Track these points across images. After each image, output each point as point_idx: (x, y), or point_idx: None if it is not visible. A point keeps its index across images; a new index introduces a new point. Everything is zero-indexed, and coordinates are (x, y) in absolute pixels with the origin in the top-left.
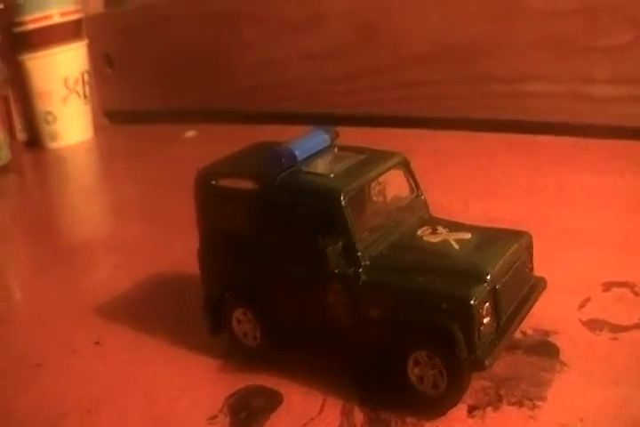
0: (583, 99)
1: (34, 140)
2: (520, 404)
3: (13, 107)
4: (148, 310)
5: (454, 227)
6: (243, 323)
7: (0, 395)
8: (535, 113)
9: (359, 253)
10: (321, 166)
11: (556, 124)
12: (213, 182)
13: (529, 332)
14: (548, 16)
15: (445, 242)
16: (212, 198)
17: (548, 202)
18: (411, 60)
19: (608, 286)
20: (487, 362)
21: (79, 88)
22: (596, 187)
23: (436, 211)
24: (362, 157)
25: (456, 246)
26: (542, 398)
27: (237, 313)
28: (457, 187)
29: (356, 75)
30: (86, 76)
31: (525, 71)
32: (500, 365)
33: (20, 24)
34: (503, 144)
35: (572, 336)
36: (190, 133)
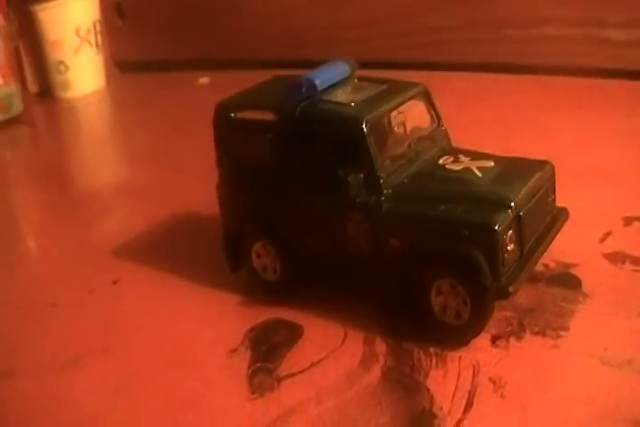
0: (597, 42)
1: (45, 90)
2: (543, 333)
3: (24, 58)
4: (166, 250)
5: (476, 156)
6: (262, 257)
7: (17, 335)
8: (549, 57)
9: (381, 181)
10: (341, 96)
11: (570, 68)
12: (232, 115)
13: (551, 264)
14: None
15: (468, 170)
16: (231, 131)
17: (567, 141)
18: (424, 5)
19: (629, 221)
20: (511, 289)
21: (91, 37)
22: (614, 127)
23: None
24: (382, 87)
25: (479, 174)
26: (565, 328)
27: (257, 246)
28: (474, 127)
29: (368, 21)
30: (98, 26)
31: (540, 15)
32: (523, 296)
33: None
34: (518, 85)
35: (593, 269)
36: (203, 80)
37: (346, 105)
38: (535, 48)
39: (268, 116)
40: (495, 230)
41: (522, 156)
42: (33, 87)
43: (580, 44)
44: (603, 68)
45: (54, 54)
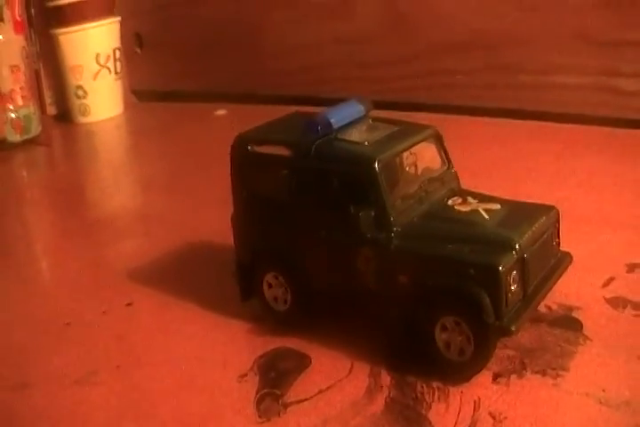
0: (609, 92)
1: (64, 113)
2: (543, 373)
3: (44, 81)
4: (179, 276)
5: (484, 198)
6: (274, 287)
7: (33, 350)
8: (562, 104)
9: (391, 219)
10: (356, 135)
11: (581, 116)
12: (249, 148)
13: (554, 307)
14: (577, 9)
15: (475, 212)
16: (247, 164)
17: (575, 187)
18: (441, 48)
19: (632, 267)
20: (513, 328)
21: (110, 64)
22: (622, 174)
23: None
24: (395, 128)
25: (486, 216)
26: (565, 369)
27: (269, 277)
28: (483, 171)
29: (386, 62)
30: (118, 53)
31: (553, 63)
32: (525, 336)
33: None
34: (530, 131)
35: (595, 312)
36: (220, 112)
37: (360, 144)
38: (548, 95)
39: (284, 151)
40: (499, 271)
41: (528, 200)
42: (51, 110)
43: (592, 92)
44: (613, 117)
45: (73, 79)
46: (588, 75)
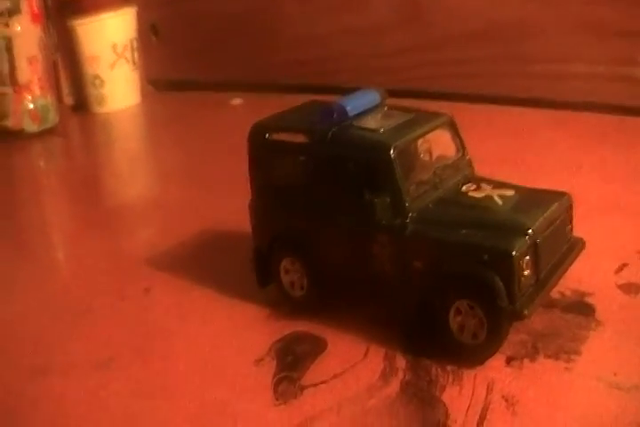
0: (624, 80)
1: (81, 104)
2: (556, 357)
3: (61, 71)
4: (197, 263)
5: (498, 185)
6: (290, 273)
7: (53, 336)
8: (576, 93)
9: (406, 205)
10: (371, 122)
11: (596, 104)
12: (267, 136)
13: (567, 292)
14: None
15: (489, 197)
16: (264, 152)
17: (589, 175)
18: (453, 38)
19: None
20: (526, 312)
21: (127, 54)
22: (636, 162)
23: None
24: (410, 115)
25: (499, 202)
26: (578, 353)
27: (285, 262)
28: (498, 159)
29: (401, 51)
30: (135, 43)
31: (568, 52)
32: (538, 321)
33: None
34: (544, 120)
35: (607, 298)
36: (236, 101)
37: (375, 131)
38: (562, 84)
39: (300, 138)
40: (512, 255)
41: (542, 187)
42: (68, 100)
43: (607, 81)
44: (628, 106)
45: (91, 68)
46: (603, 64)
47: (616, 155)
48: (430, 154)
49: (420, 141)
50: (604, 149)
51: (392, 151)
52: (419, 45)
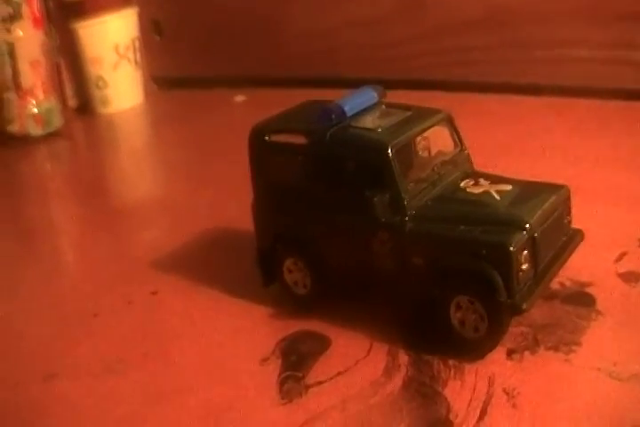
0: (625, 64)
1: (85, 105)
2: (556, 348)
3: (64, 74)
4: (202, 263)
5: (496, 179)
6: (293, 272)
7: (61, 340)
8: (577, 78)
9: (405, 203)
10: (369, 122)
11: (597, 89)
12: (266, 138)
13: (566, 283)
14: None
15: (487, 193)
16: (265, 153)
17: (589, 163)
18: (456, 26)
19: None
20: (525, 306)
21: (130, 54)
22: (637, 149)
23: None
24: (408, 113)
25: (497, 197)
26: (578, 344)
27: (288, 263)
28: (498, 148)
29: (401, 41)
30: (137, 43)
31: (568, 37)
32: (538, 312)
33: None
34: (545, 107)
35: (607, 287)
36: (239, 98)
37: (373, 131)
38: (563, 69)
39: (299, 139)
40: (510, 250)
41: (541, 178)
42: (72, 102)
43: (608, 65)
44: (629, 90)
45: (93, 70)
46: (604, 48)
47: (617, 140)
48: (428, 151)
49: (417, 139)
50: (605, 135)
51: (390, 150)
52: (419, 34)
